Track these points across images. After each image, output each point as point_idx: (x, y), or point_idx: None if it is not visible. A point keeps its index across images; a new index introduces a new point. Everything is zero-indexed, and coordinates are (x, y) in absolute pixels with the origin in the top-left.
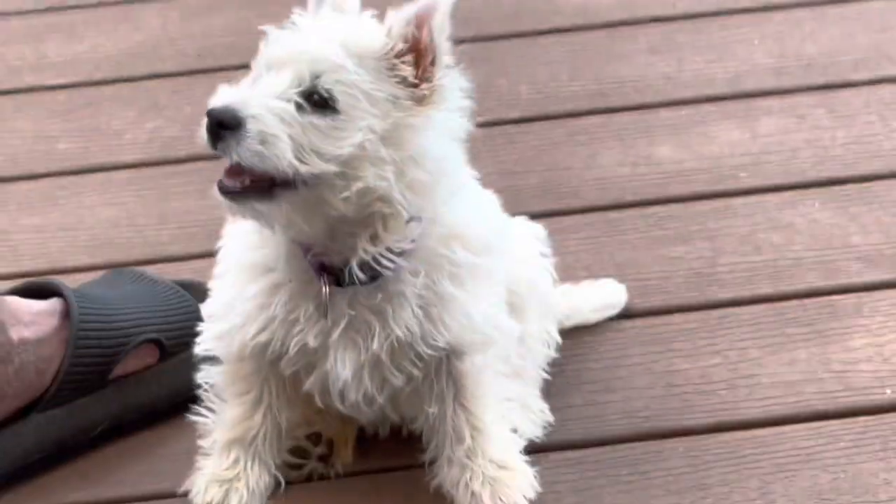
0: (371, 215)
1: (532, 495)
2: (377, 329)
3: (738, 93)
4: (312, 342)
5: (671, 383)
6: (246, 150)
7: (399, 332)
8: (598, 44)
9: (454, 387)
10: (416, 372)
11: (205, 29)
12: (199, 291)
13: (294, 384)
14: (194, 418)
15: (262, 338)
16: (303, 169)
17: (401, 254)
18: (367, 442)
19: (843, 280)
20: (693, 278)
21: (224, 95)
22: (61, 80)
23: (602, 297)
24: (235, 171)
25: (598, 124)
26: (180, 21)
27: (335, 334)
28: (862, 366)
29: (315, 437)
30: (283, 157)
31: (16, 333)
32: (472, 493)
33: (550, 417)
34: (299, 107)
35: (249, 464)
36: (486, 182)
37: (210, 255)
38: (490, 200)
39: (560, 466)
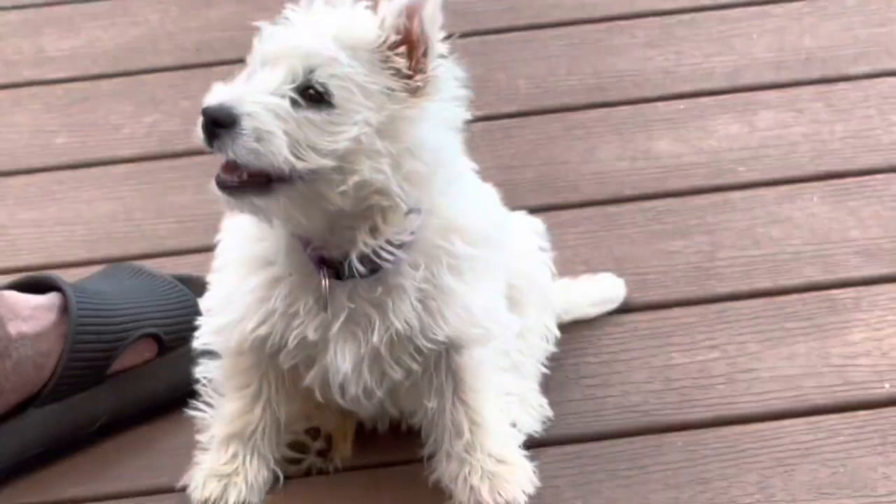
0: (369, 208)
1: (531, 490)
2: (377, 322)
3: (736, 87)
4: (312, 335)
5: (670, 378)
6: (242, 148)
7: (398, 325)
8: (596, 38)
9: (453, 381)
10: (415, 366)
11: (203, 23)
12: (197, 286)
13: (293, 378)
14: (193, 413)
15: (262, 331)
16: (299, 165)
17: (400, 246)
18: (365, 437)
19: (841, 274)
20: (692, 272)
21: (219, 93)
22: (59, 75)
23: (600, 291)
24: (232, 166)
25: (596, 118)
26: (178, 15)
27: (335, 327)
28: (861, 360)
29: (314, 432)
30: (279, 154)
31: (14, 328)
32: (471, 488)
33: (549, 412)
34: (294, 102)
35: (248, 458)
36: (484, 176)
37: (208, 249)
38: (490, 194)
39: (559, 461)
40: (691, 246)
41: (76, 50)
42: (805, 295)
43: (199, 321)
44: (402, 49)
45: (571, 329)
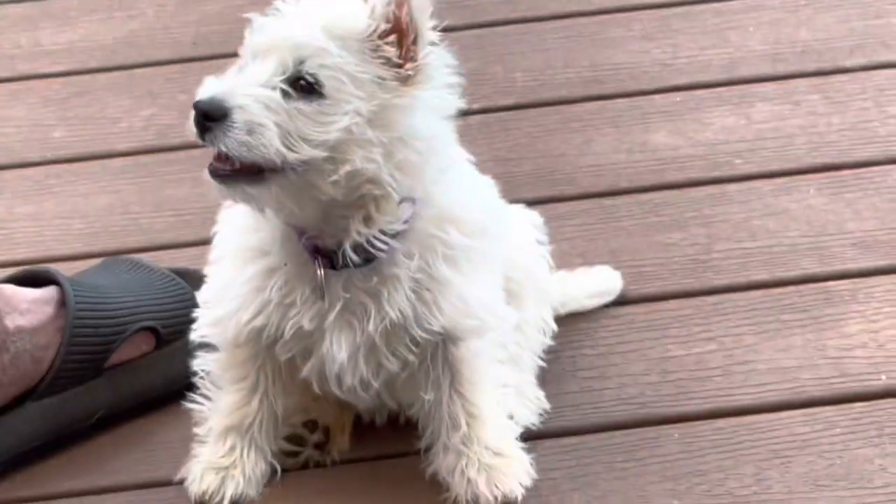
0: (362, 197)
1: (528, 482)
2: (372, 311)
3: (733, 79)
4: (308, 325)
5: (666, 370)
6: (233, 141)
7: (393, 315)
8: (592, 30)
9: (450, 373)
10: (411, 357)
11: (199, 17)
12: (194, 279)
13: (290, 371)
14: (190, 406)
15: (258, 322)
16: (291, 156)
17: (394, 236)
18: (363, 429)
19: (838, 266)
20: (688, 265)
21: (210, 87)
22: (56, 69)
23: (597, 283)
24: (224, 155)
25: (593, 111)
26: (175, 9)
27: (330, 317)
28: (857, 352)
29: (311, 425)
30: (271, 146)
31: (11, 322)
32: (468, 480)
33: (546, 404)
34: (285, 94)
35: (246, 451)
36: (481, 169)
37: (205, 242)
38: (488, 186)
39: (556, 453)
40: (688, 238)
41: (73, 44)
42: (801, 287)
43: (197, 314)
44: (392, 38)
45: (568, 321)
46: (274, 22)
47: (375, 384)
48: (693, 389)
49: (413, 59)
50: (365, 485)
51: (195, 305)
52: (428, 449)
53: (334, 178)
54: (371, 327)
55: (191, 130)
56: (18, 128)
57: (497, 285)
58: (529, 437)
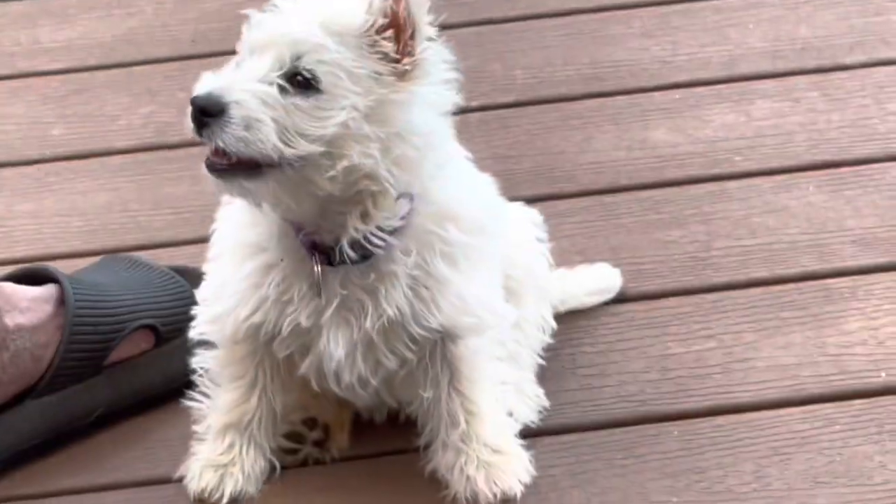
0: (359, 193)
1: (527, 479)
2: (370, 308)
3: (732, 76)
4: (305, 322)
5: (666, 367)
6: (230, 137)
7: (391, 312)
8: (592, 28)
9: (449, 371)
10: (410, 355)
11: (198, 14)
12: (193, 277)
13: (289, 368)
14: (189, 403)
15: (256, 319)
16: (288, 152)
17: (392, 232)
18: (362, 427)
19: (837, 263)
20: (688, 262)
21: (207, 82)
22: (55, 66)
23: (597, 281)
24: (221, 151)
25: (592, 108)
26: (174, 6)
27: (328, 313)
28: (857, 349)
29: (311, 422)
30: (268, 141)
31: (11, 320)
32: (467, 478)
33: (546, 402)
34: (282, 89)
35: (245, 448)
36: (480, 166)
37: (204, 240)
38: (487, 183)
39: (555, 450)
40: (687, 235)
41: (72, 41)
42: (801, 284)
43: (196, 311)
44: (390, 33)
45: (568, 319)
46: (271, 18)
47: (374, 382)
48: (693, 387)
49: (410, 55)
50: (364, 482)
51: (194, 303)
52: (427, 446)
53: (331, 173)
54: (368, 324)
55: (188, 126)
56: (17, 125)
57: (496, 283)
58: (529, 434)
